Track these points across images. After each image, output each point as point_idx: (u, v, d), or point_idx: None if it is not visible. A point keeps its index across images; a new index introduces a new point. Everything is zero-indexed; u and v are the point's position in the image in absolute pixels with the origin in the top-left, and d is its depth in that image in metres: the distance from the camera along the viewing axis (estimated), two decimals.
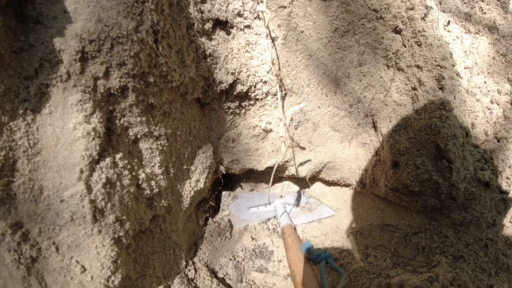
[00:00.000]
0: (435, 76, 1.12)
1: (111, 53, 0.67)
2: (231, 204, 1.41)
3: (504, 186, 1.12)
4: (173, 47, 0.79)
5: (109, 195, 0.72)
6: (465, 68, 1.42)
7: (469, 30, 1.51)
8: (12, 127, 0.66)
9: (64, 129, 0.68)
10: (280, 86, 0.98)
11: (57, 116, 0.68)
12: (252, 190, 1.40)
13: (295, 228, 1.29)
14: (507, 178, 1.13)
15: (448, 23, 1.40)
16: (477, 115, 1.30)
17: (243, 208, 1.43)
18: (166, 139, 0.87)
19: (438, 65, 1.13)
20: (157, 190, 0.87)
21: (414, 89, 1.15)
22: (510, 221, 1.18)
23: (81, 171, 0.68)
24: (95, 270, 0.72)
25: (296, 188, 1.37)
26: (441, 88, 1.12)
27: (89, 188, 0.69)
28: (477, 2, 1.49)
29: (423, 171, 1.09)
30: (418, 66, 1.14)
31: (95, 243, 0.71)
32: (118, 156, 0.75)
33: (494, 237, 1.15)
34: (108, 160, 0.72)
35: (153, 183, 0.85)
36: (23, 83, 0.67)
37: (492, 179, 1.10)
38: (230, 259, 1.19)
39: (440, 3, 1.43)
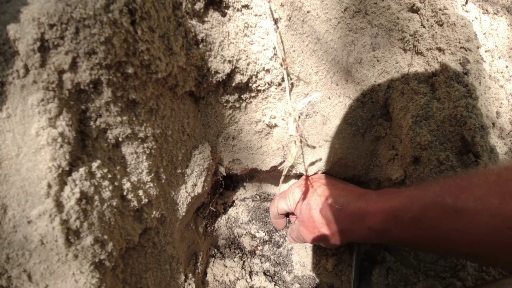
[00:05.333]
0: (459, 60, 0.99)
1: (77, 39, 0.54)
2: None
3: None
4: (156, 31, 0.65)
5: (85, 213, 0.60)
6: (486, 51, 1.29)
7: (487, 11, 1.37)
8: None
9: (26, 136, 0.56)
10: (287, 74, 0.85)
11: (16, 120, 0.56)
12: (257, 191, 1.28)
13: None
14: None
15: (466, 2, 1.26)
16: (501, 103, 1.18)
17: None
18: (155, 141, 0.75)
19: (463, 47, 0.99)
20: (146, 200, 0.75)
21: (435, 75, 1.01)
22: None
23: (49, 186, 0.56)
24: None
25: None
26: (466, 73, 0.99)
27: (59, 206, 0.57)
28: None
29: (447, 167, 0.97)
30: (439, 49, 1.00)
31: (71, 270, 0.59)
32: (95, 164, 0.63)
33: None
34: (82, 170, 0.60)
35: (141, 192, 0.73)
36: None
37: None
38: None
39: None
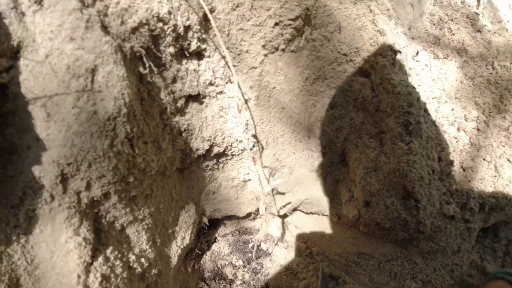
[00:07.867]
0: (403, 122, 1.16)
1: (89, 170, 0.71)
2: None
3: (468, 216, 1.23)
4: (148, 141, 0.82)
5: None
6: (433, 98, 1.44)
7: (437, 56, 1.51)
8: (10, 253, 0.70)
9: (57, 243, 0.74)
10: (260, 165, 1.03)
11: (47, 233, 0.73)
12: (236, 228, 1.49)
13: None
14: (471, 209, 1.23)
15: (417, 53, 1.43)
16: (443, 148, 1.35)
17: None
18: (150, 216, 0.93)
19: (406, 112, 1.16)
20: (147, 263, 0.94)
21: (383, 132, 1.21)
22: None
23: (78, 276, 0.75)
24: None
25: (278, 220, 1.46)
26: (409, 134, 1.17)
27: None
28: (446, 22, 1.51)
29: (392, 210, 1.19)
30: (385, 112, 1.18)
31: None
32: (108, 250, 0.81)
33: (459, 262, 1.29)
34: (100, 258, 0.78)
35: (143, 259, 0.93)
36: (10, 211, 0.70)
37: (457, 212, 1.20)
38: None
39: (410, 29, 1.45)
